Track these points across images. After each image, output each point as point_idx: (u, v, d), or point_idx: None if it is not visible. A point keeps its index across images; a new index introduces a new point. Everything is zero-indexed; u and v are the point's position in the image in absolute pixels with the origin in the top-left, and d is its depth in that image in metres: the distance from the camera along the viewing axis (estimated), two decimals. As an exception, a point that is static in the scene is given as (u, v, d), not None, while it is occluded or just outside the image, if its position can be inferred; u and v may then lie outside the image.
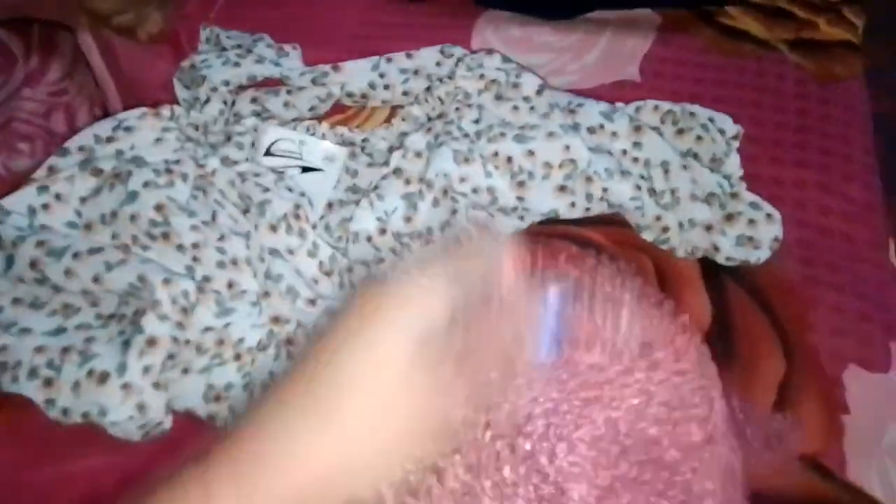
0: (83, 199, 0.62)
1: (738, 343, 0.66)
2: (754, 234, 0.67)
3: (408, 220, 0.63)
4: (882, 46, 0.96)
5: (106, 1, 0.79)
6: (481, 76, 0.73)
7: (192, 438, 0.60)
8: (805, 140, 0.80)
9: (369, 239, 0.63)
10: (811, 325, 0.67)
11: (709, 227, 0.67)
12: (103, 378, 0.53)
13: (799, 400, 0.64)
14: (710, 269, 0.69)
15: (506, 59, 0.76)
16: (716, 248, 0.67)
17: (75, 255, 0.57)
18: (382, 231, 0.63)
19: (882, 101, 0.88)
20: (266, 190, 0.62)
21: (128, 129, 0.67)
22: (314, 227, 0.63)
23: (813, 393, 0.64)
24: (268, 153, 0.69)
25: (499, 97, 0.73)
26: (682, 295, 0.68)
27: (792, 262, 0.70)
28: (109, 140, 0.66)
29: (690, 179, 0.67)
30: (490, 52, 0.77)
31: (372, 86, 0.74)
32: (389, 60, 0.76)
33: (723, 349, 0.65)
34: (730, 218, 0.68)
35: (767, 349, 0.66)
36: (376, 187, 0.65)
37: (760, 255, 0.68)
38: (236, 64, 0.73)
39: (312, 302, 0.58)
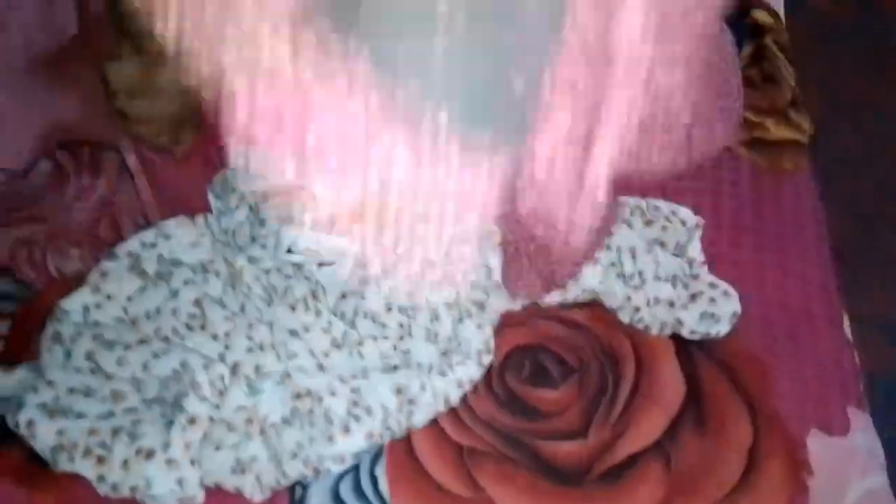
0: (130, 298, 0.72)
1: (709, 411, 0.73)
2: (715, 310, 0.76)
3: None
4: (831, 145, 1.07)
5: (145, 125, 0.91)
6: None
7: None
8: (762, 226, 0.90)
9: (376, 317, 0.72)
10: (775, 393, 0.74)
11: (671, 304, 0.76)
12: (150, 454, 0.61)
13: (767, 463, 0.70)
14: (680, 345, 0.78)
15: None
16: (680, 323, 0.76)
17: (126, 347, 0.66)
18: (388, 309, 0.72)
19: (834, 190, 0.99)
20: (288, 277, 0.71)
21: (167, 236, 0.77)
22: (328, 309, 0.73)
23: (779, 456, 0.71)
24: (289, 251, 0.79)
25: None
26: (657, 368, 0.76)
27: (755, 336, 0.79)
28: (153, 245, 0.76)
29: (654, 262, 0.77)
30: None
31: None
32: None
33: (695, 417, 0.73)
34: (693, 297, 0.77)
35: (735, 416, 0.73)
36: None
37: (721, 329, 0.76)
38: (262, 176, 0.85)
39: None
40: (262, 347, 0.68)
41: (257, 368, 0.67)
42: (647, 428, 0.72)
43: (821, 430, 0.72)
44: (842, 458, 0.71)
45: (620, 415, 0.72)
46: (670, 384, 0.75)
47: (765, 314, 0.81)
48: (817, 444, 0.71)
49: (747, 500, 0.68)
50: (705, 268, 0.81)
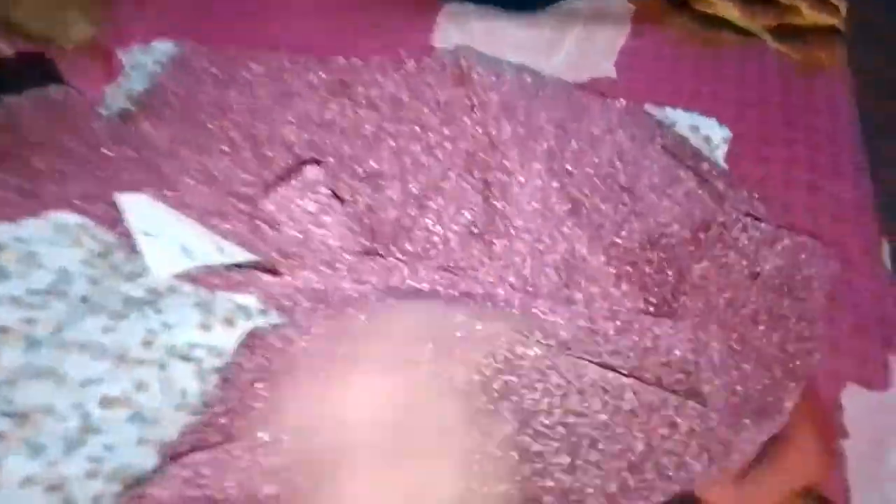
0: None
1: (729, 366, 0.62)
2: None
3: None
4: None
5: (19, 9, 0.70)
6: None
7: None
8: (792, 136, 0.75)
9: None
10: (806, 343, 0.63)
11: None
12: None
13: (794, 424, 0.60)
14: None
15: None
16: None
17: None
18: None
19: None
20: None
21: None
22: None
23: (809, 416, 0.60)
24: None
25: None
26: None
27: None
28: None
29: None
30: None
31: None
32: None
33: (712, 374, 0.61)
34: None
35: (760, 371, 0.62)
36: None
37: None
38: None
39: None
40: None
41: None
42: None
43: (858, 384, 0.61)
44: (882, 416, 0.60)
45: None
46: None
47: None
48: (853, 401, 0.61)
49: (772, 473, 0.57)
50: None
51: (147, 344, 0.53)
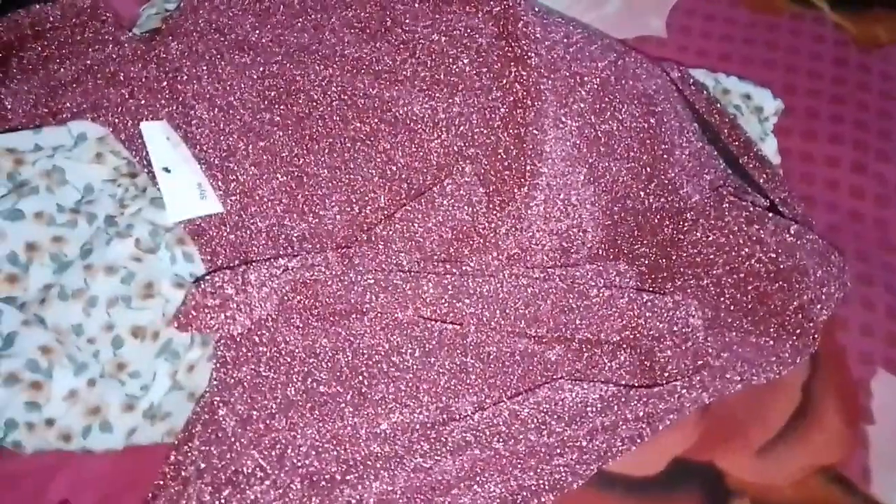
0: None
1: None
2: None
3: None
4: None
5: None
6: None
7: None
8: (841, 112, 0.72)
9: None
10: (838, 324, 0.61)
11: None
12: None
13: (821, 406, 0.59)
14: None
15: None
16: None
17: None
18: None
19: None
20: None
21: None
22: None
23: (837, 398, 0.59)
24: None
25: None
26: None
27: (821, 253, 0.64)
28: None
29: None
30: None
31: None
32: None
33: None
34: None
35: (790, 349, 0.60)
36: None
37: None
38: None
39: None
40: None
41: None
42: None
43: (888, 370, 0.60)
44: (910, 405, 0.59)
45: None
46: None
47: (833, 223, 0.66)
48: (883, 389, 0.59)
49: (794, 450, 0.57)
50: (780, 172, 0.64)
51: (178, 285, 0.52)
